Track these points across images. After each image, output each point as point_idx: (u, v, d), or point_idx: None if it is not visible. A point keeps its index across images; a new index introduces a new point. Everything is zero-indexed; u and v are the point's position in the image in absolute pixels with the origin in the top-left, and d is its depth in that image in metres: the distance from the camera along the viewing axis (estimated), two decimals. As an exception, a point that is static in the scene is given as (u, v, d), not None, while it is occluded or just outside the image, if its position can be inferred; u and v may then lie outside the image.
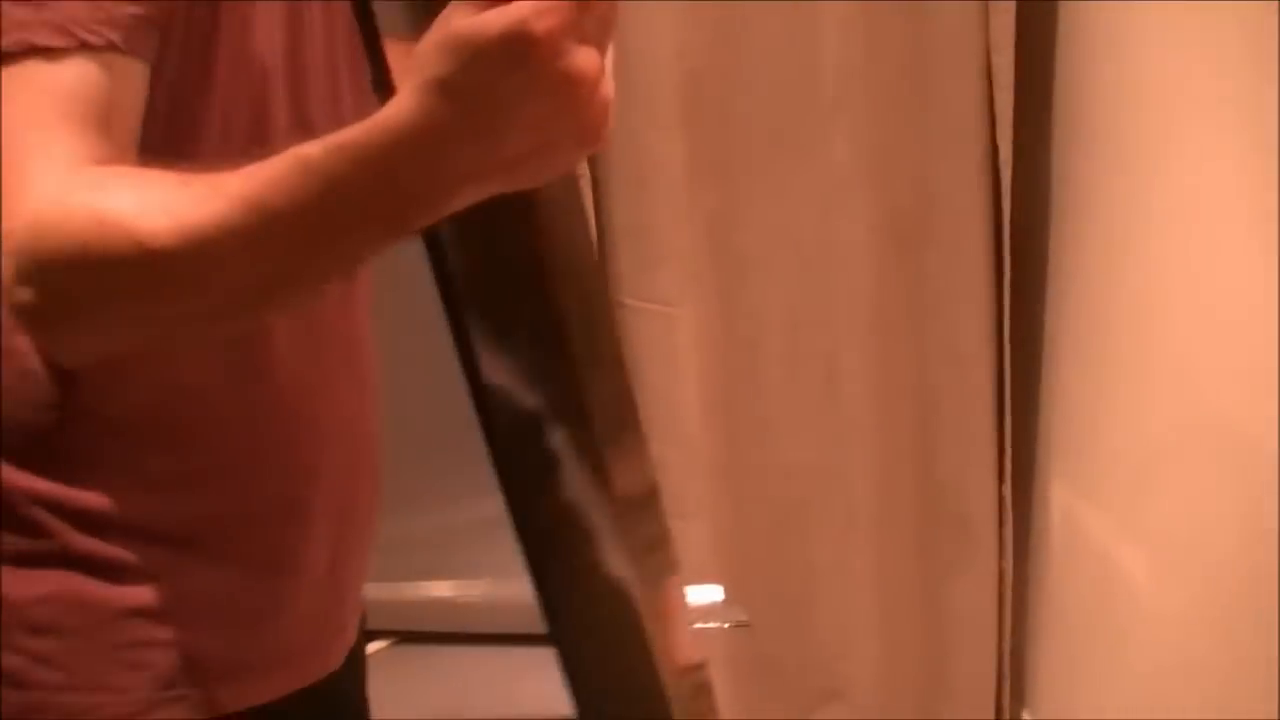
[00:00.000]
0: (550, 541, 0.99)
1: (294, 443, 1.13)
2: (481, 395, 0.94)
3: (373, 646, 1.90)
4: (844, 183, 2.24)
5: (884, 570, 2.39)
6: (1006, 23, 2.14)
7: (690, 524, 2.28)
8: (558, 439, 1.01)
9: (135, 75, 0.96)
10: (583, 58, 0.78)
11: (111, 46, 0.93)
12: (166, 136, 0.99)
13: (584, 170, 2.09)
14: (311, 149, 0.84)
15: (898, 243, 2.27)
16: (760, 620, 2.19)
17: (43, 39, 0.91)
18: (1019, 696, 2.47)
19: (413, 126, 0.80)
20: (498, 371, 0.96)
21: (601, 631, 1.07)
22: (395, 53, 0.94)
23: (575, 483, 1.03)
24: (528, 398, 0.99)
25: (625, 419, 1.06)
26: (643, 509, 1.10)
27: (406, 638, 1.91)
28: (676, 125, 2.16)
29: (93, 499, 1.05)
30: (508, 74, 0.77)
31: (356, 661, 1.30)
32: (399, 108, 0.81)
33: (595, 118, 0.81)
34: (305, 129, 1.07)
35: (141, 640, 1.07)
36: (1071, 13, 2.13)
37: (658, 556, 1.12)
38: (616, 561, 1.05)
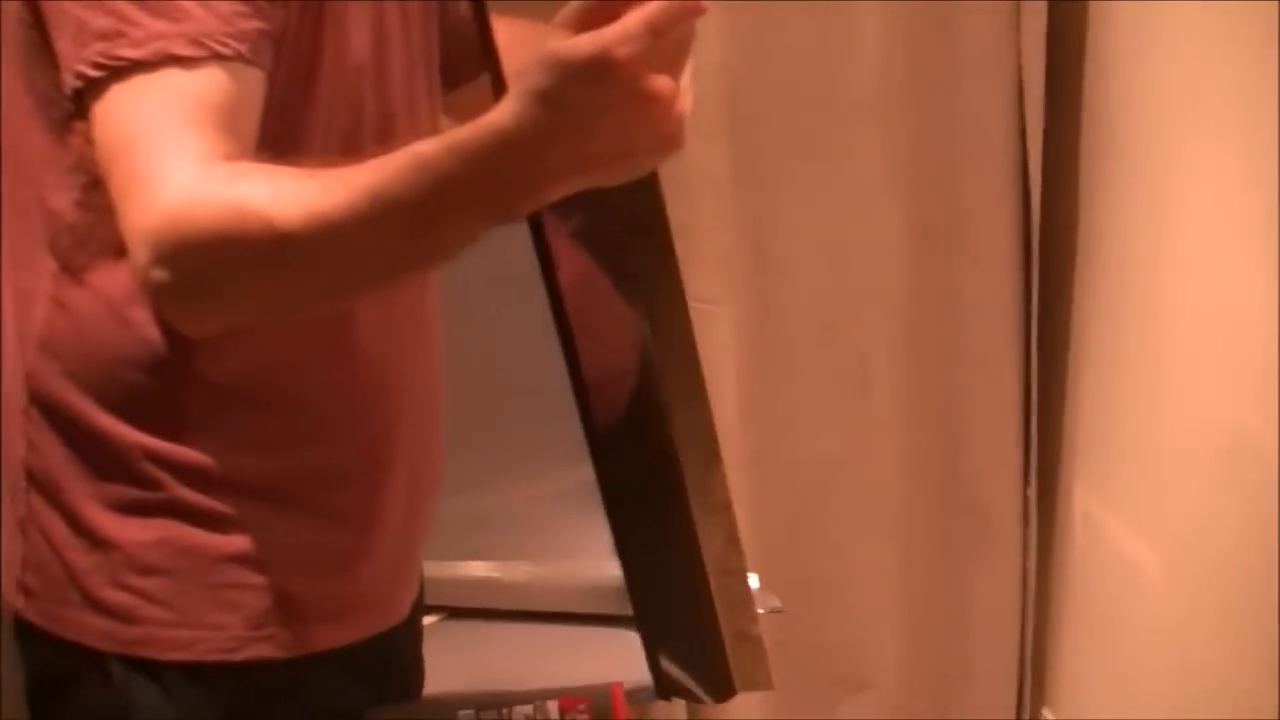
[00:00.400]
0: (629, 493, 1.08)
1: (375, 411, 1.22)
2: (574, 359, 1.04)
3: (425, 620, 1.98)
4: (878, 190, 2.28)
5: (909, 565, 2.42)
6: (1038, 36, 2.18)
7: (725, 512, 2.34)
8: (639, 401, 1.11)
9: (256, 83, 1.06)
10: (660, 79, 0.90)
11: (239, 57, 1.03)
12: (277, 135, 1.08)
13: None
14: (426, 147, 0.95)
15: (930, 249, 2.31)
16: (788, 609, 2.23)
17: (180, 49, 1.01)
18: (1039, 693, 2.49)
19: (516, 129, 0.92)
20: (590, 340, 1.06)
21: (670, 578, 1.16)
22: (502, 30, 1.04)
23: (653, 441, 1.12)
24: (614, 361, 1.08)
25: (694, 386, 1.15)
26: (708, 469, 1.19)
27: (455, 613, 1.97)
28: (720, 134, 2.21)
29: (197, 456, 1.14)
30: (594, 89, 0.89)
31: (416, 620, 1.39)
32: (503, 113, 0.92)
33: (670, 129, 0.93)
34: (389, 124, 1.17)
35: (237, 583, 1.15)
36: (1100, 26, 2.17)
37: (721, 516, 1.20)
38: (685, 514, 1.14)
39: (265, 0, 1.05)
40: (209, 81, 1.02)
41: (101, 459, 1.15)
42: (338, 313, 1.17)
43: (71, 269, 1.13)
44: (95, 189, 1.07)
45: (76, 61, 1.03)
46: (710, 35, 2.17)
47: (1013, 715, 2.50)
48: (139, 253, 1.00)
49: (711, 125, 2.20)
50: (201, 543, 1.15)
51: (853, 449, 2.36)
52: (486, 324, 2.07)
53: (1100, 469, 2.29)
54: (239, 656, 1.15)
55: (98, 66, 1.02)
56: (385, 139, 1.12)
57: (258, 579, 1.16)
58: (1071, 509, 2.36)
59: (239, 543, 1.15)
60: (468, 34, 1.38)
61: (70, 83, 1.04)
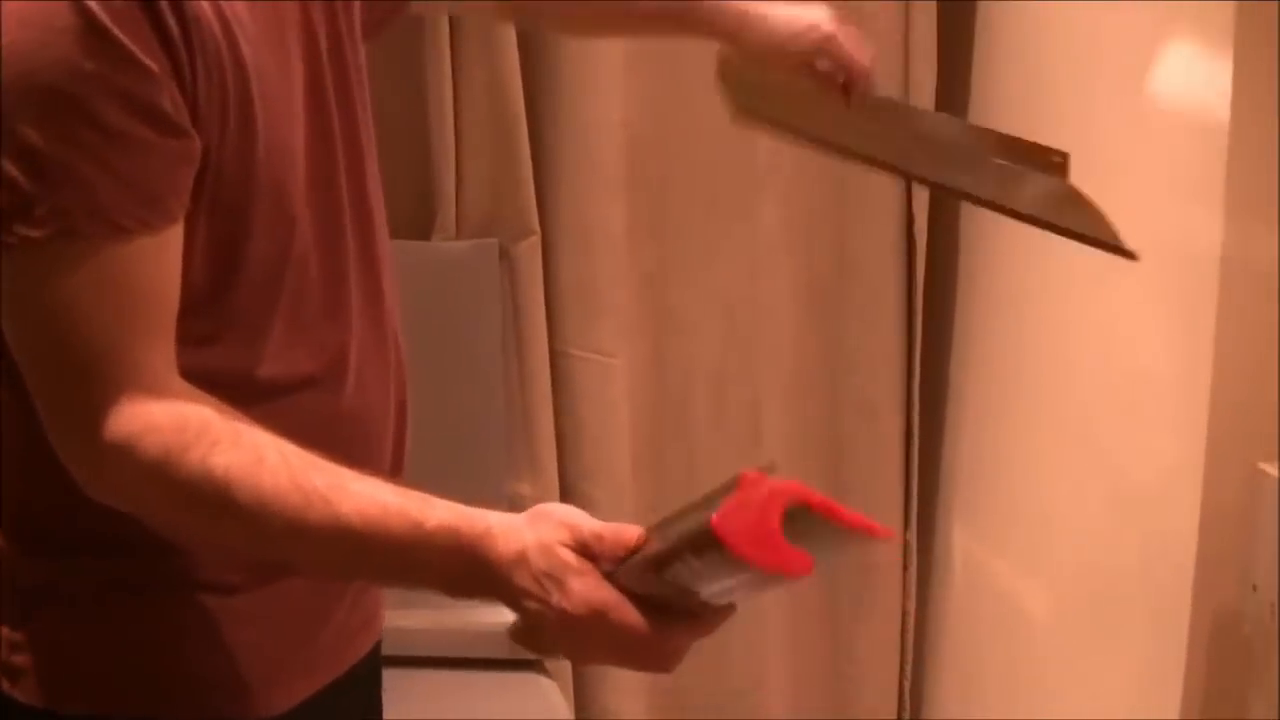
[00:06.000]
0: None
1: (359, 456, 1.18)
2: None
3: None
4: (771, 247, 2.33)
5: (795, 609, 2.45)
6: (925, 101, 2.24)
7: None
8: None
9: (173, 238, 1.02)
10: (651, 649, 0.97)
11: (147, 227, 0.99)
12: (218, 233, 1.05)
13: (535, 229, 2.17)
14: (429, 519, 0.97)
15: (818, 303, 2.37)
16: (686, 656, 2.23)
17: (85, 226, 0.96)
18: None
19: (504, 576, 0.97)
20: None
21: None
22: None
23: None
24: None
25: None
26: None
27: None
28: (619, 189, 2.24)
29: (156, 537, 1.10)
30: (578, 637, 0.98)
31: (376, 656, 1.35)
32: (501, 551, 0.97)
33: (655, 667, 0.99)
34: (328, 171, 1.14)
35: (207, 645, 1.13)
36: (983, 90, 2.24)
37: None
38: None
39: (177, 140, 0.99)
40: (124, 259, 0.98)
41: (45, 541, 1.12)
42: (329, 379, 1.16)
43: None
44: None
45: None
46: (612, 91, 2.21)
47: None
48: (83, 465, 1.00)
49: (610, 181, 2.24)
50: (165, 608, 1.13)
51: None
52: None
53: (985, 513, 2.34)
54: (208, 715, 1.13)
55: None
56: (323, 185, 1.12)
57: (229, 640, 1.14)
58: (951, 551, 2.42)
59: (205, 607, 1.13)
60: None
61: None
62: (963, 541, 2.39)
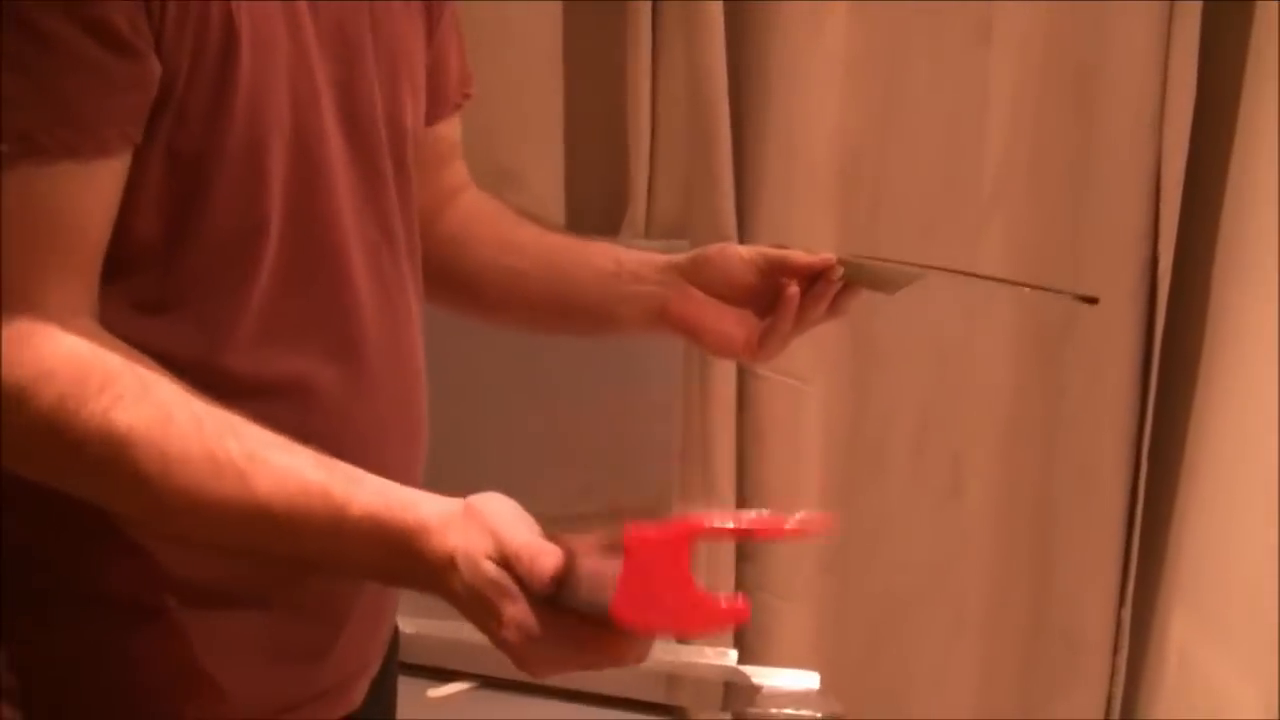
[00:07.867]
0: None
1: None
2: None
3: (453, 687, 1.90)
4: (995, 282, 2.19)
5: (987, 680, 2.33)
6: (1181, 131, 2.06)
7: (793, 606, 2.23)
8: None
9: (106, 174, 0.95)
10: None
11: (72, 153, 0.92)
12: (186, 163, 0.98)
13: (731, 234, 2.04)
14: (352, 503, 0.91)
15: (1041, 347, 2.21)
16: (853, 716, 2.12)
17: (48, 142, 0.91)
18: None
19: (441, 579, 0.91)
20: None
21: None
22: None
23: None
24: None
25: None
26: None
27: (488, 682, 1.91)
28: (828, 201, 2.11)
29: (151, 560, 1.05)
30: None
31: (384, 691, 1.30)
32: (438, 546, 0.90)
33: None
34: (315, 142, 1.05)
35: (195, 674, 1.08)
36: (1252, 119, 2.05)
37: None
38: None
39: (127, 62, 0.92)
40: (40, 184, 0.91)
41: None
42: (307, 409, 1.07)
43: None
44: None
45: None
46: (830, 93, 2.08)
47: None
48: None
49: (819, 191, 2.11)
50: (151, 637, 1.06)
51: (938, 552, 2.26)
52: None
53: (1207, 601, 2.17)
54: None
55: None
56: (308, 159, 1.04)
57: (218, 671, 1.07)
58: (1167, 640, 2.26)
59: (194, 636, 1.07)
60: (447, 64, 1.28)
61: None
62: (1181, 630, 2.22)
